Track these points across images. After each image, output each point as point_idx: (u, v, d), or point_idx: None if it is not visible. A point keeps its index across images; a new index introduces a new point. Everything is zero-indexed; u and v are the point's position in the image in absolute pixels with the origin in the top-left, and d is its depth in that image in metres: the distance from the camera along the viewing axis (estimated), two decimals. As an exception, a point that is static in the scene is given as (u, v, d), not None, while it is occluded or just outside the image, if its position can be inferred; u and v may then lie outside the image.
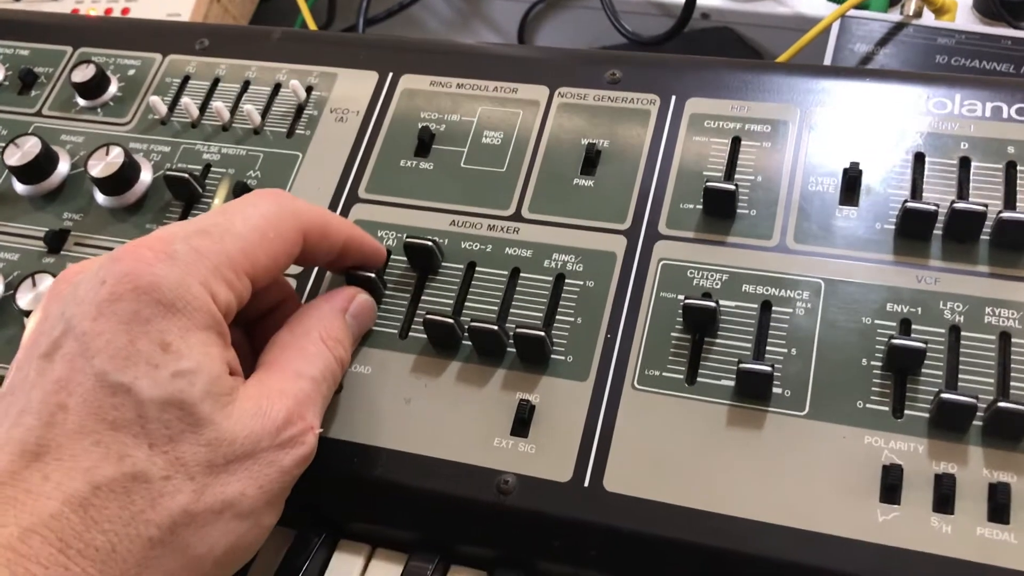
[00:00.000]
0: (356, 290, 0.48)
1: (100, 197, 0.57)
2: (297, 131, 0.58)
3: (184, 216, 0.56)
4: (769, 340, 0.46)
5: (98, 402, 0.35)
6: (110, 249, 0.55)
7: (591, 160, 0.53)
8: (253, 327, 0.48)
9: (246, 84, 0.60)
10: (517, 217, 0.52)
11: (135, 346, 0.36)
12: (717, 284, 0.48)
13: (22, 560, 0.32)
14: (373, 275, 0.49)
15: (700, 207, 0.50)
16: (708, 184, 0.48)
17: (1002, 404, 0.41)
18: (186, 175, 0.54)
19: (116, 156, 0.55)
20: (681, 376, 0.46)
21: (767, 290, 0.47)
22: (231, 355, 0.40)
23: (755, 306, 0.47)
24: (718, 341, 0.46)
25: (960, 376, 0.43)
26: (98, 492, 0.34)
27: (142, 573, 0.35)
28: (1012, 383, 0.43)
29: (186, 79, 0.61)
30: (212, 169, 0.57)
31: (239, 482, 0.38)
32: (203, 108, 0.60)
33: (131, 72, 0.62)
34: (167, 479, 0.36)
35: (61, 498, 0.33)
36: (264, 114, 0.59)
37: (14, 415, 0.36)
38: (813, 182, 0.50)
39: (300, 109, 0.58)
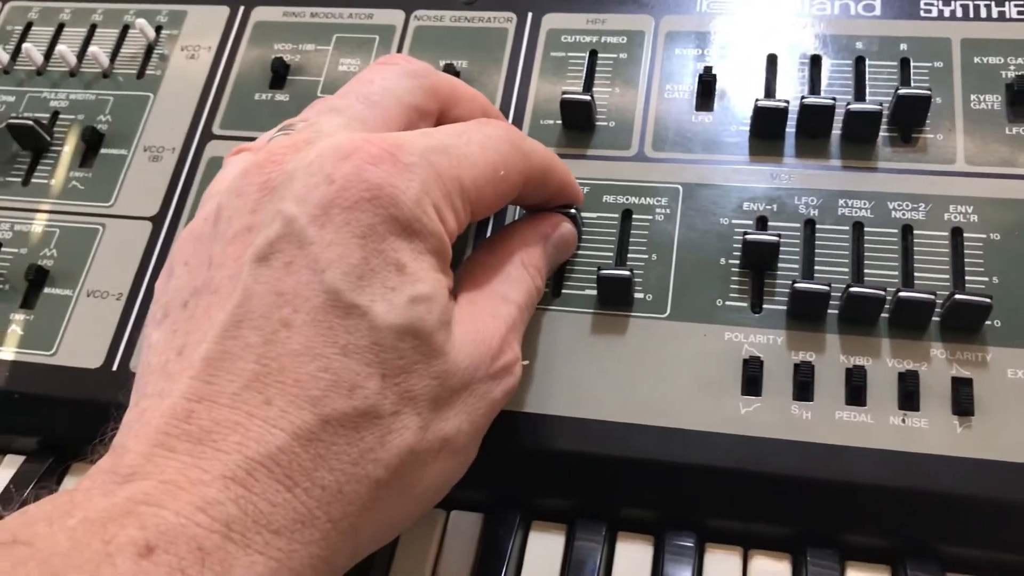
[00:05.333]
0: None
1: (-60, 152, 0.54)
2: (148, 72, 0.55)
3: (32, 168, 0.53)
4: (630, 247, 0.46)
5: (328, 323, 0.31)
6: (-44, 206, 0.53)
7: (450, 82, 0.52)
8: None
9: (92, 28, 0.58)
10: (377, 144, 0.51)
11: (369, 264, 0.32)
12: (579, 196, 0.47)
13: (252, 498, 0.28)
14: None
15: (560, 122, 0.50)
16: (564, 96, 0.48)
17: (854, 289, 0.41)
18: (31, 122, 0.52)
19: (-48, 106, 0.53)
20: (547, 290, 0.45)
21: (627, 199, 0.47)
22: (450, 282, 0.36)
23: (616, 215, 0.47)
24: (581, 252, 0.46)
25: (816, 268, 0.44)
26: (327, 427, 0.30)
27: (363, 514, 0.31)
28: (866, 270, 0.43)
29: (28, 26, 0.59)
30: (60, 116, 0.55)
31: (456, 417, 0.34)
32: (48, 54, 0.57)
33: (-32, 22, 0.59)
34: (396, 415, 0.32)
35: (290, 429, 0.29)
36: (113, 57, 0.56)
37: (224, 320, 0.31)
38: (669, 90, 0.50)
39: (150, 49, 0.56)
